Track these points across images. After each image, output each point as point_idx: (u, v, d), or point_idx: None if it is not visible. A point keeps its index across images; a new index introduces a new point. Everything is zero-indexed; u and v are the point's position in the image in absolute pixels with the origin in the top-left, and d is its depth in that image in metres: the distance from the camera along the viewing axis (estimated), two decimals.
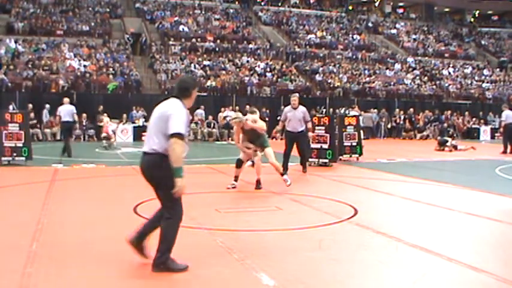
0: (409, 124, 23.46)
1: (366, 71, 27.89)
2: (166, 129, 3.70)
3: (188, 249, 4.45)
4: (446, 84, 28.53)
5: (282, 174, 8.06)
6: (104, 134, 16.15)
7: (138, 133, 19.24)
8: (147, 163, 3.88)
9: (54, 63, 22.24)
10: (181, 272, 3.73)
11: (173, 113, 3.75)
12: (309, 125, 10.02)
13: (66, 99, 12.97)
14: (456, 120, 24.55)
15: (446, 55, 32.53)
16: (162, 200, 3.85)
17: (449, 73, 30.29)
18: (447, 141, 16.44)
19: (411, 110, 24.14)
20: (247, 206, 6.52)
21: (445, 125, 23.69)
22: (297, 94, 10.67)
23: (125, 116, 19.73)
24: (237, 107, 21.99)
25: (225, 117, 21.06)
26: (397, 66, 29.35)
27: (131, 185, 8.32)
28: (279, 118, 21.67)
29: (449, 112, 24.82)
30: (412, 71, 29.28)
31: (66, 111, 12.41)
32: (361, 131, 13.35)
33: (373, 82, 26.69)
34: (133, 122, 19.75)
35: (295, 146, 9.78)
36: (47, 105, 19.03)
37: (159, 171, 3.77)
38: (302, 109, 9.82)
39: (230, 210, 6.16)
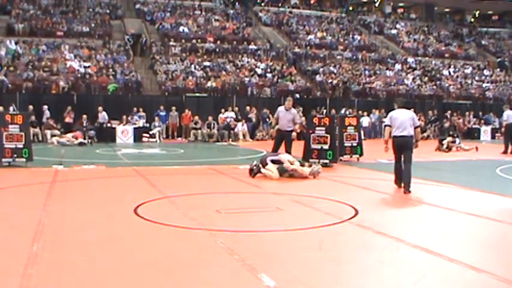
0: None
1: (366, 72, 27.90)
2: (414, 124, 7.89)
3: (189, 250, 4.46)
4: (447, 85, 28.54)
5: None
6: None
7: (139, 134, 19.23)
8: (408, 141, 7.79)
9: (55, 65, 22.27)
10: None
11: (414, 115, 8.06)
12: (297, 126, 11.17)
13: None
14: (457, 121, 24.53)
15: (446, 55, 32.54)
16: (408, 156, 7.78)
17: (450, 73, 30.29)
18: (444, 139, 16.57)
19: (411, 110, 24.10)
20: (248, 206, 6.52)
21: (446, 125, 23.66)
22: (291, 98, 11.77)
23: (124, 117, 19.72)
24: (237, 108, 22.02)
25: (224, 119, 21.07)
26: (398, 66, 29.36)
27: (132, 186, 8.33)
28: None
29: (449, 112, 24.83)
30: (412, 71, 29.31)
31: None
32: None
33: (374, 82, 26.71)
34: (134, 123, 19.73)
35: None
36: (45, 106, 19.10)
37: (411, 144, 7.82)
38: (294, 111, 11.01)
39: (231, 211, 6.16)
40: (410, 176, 7.70)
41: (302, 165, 9.45)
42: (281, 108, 10.98)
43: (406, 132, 7.81)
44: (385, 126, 8.40)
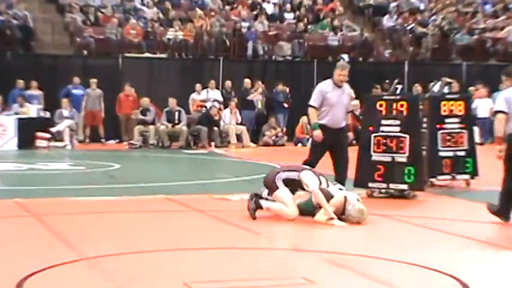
0: None
1: (487, 8, 28.03)
2: None
3: None
4: None
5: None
6: None
7: (28, 133, 19.24)
8: None
9: None
10: None
11: None
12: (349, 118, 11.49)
13: None
14: None
15: None
16: None
17: None
18: None
19: None
20: (246, 277, 6.50)
21: None
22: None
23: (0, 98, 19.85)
24: (230, 82, 22.06)
25: (202, 103, 21.16)
26: None
27: (14, 237, 8.29)
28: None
29: None
30: None
31: None
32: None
33: (502, 29, 26.79)
34: (18, 112, 19.75)
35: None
36: None
37: None
38: (349, 89, 11.20)
39: (212, 285, 6.15)
40: None
41: (328, 197, 9.15)
42: (327, 86, 10.95)
43: None
44: (496, 112, 9.61)
